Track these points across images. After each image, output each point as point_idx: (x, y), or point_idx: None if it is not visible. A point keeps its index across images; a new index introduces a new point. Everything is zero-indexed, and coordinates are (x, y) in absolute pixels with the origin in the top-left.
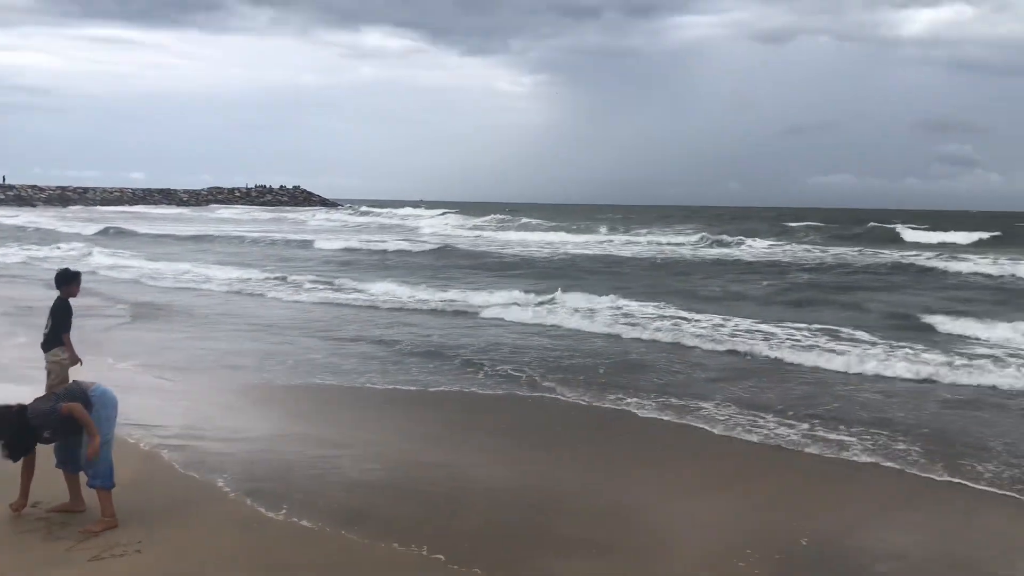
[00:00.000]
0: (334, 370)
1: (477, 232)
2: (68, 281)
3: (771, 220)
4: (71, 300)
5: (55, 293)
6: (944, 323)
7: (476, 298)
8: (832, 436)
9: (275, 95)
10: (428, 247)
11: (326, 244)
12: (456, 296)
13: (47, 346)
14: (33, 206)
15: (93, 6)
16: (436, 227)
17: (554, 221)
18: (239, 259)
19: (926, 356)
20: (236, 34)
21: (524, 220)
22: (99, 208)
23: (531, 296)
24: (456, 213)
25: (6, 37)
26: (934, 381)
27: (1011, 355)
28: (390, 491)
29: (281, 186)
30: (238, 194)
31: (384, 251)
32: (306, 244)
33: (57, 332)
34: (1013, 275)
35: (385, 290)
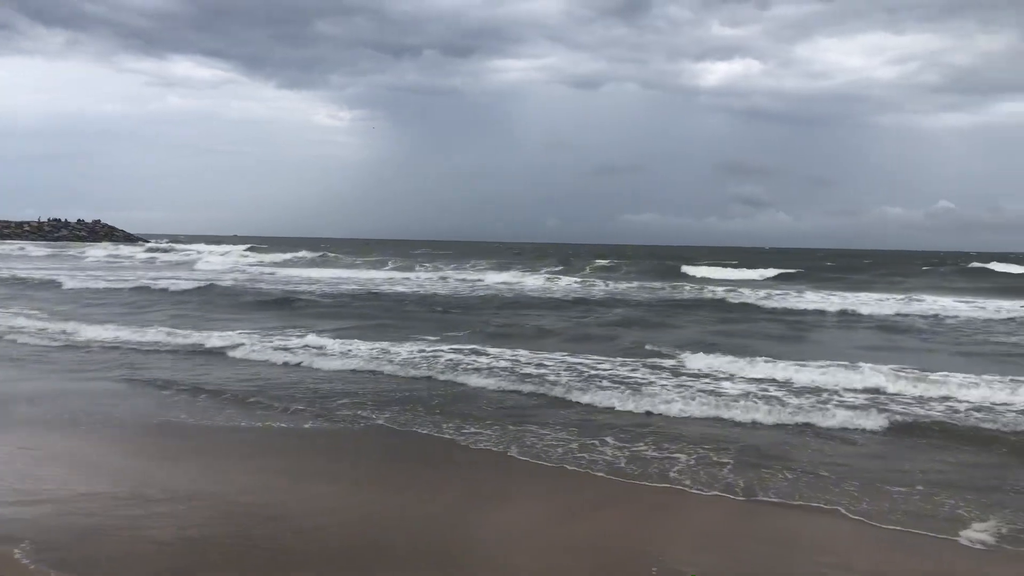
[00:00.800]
0: (107, 414)
1: (262, 269)
2: None
3: (583, 256)
4: None
5: None
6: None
7: (214, 338)
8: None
9: (73, 123)
10: (191, 285)
11: (75, 283)
12: (192, 336)
13: None
14: None
15: None
16: (218, 264)
17: (364, 256)
18: None
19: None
20: (27, 56)
21: (323, 255)
22: None
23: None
24: (253, 249)
25: None
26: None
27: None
28: (215, 550)
29: (79, 220)
30: (27, 228)
31: (145, 287)
32: (51, 283)
33: None
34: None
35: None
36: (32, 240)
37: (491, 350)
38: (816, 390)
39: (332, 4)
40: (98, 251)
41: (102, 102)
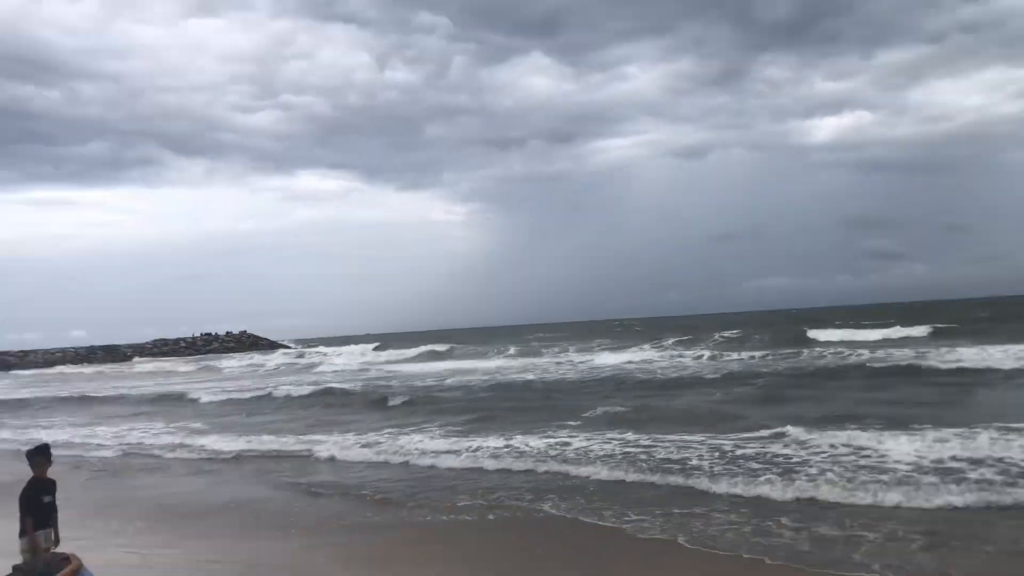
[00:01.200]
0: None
1: (389, 366)
2: (30, 461)
3: (708, 327)
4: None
5: None
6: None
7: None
8: None
9: (216, 243)
10: (309, 390)
11: (209, 396)
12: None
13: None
14: None
15: (29, 171)
16: (342, 364)
17: (486, 345)
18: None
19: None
20: (174, 186)
21: (449, 348)
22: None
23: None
24: (380, 348)
25: None
26: None
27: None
28: None
29: (227, 332)
30: (183, 344)
31: (267, 396)
32: (186, 398)
33: (23, 519)
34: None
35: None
36: (187, 355)
37: (628, 435)
38: (998, 461)
39: (439, 109)
40: (234, 361)
41: (240, 220)
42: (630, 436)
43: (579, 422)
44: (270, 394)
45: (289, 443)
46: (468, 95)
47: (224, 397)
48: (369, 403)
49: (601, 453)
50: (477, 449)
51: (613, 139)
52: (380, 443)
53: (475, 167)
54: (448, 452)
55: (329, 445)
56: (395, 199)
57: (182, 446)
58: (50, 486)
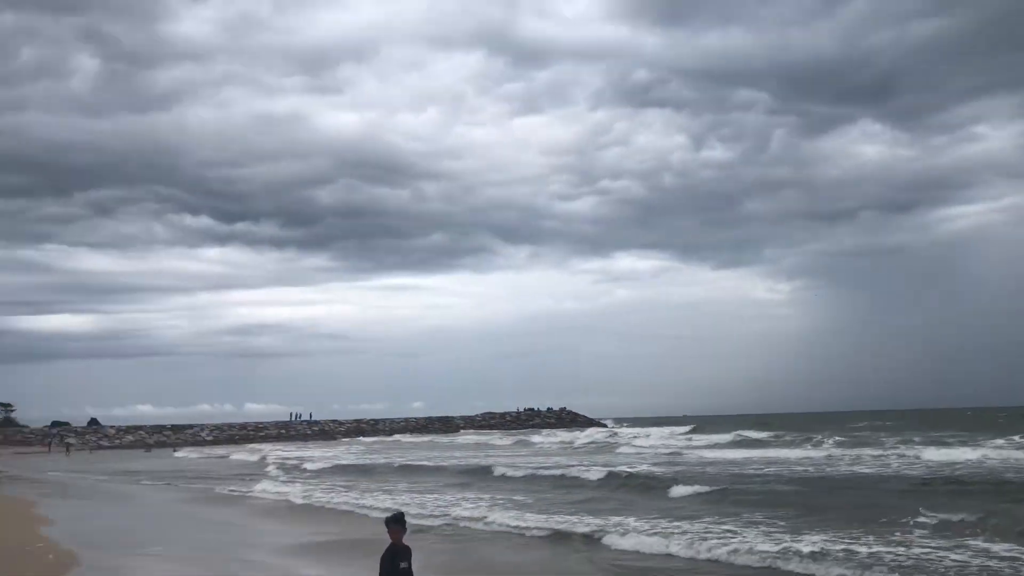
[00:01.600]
0: None
1: (696, 452)
2: (389, 525)
3: None
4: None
5: None
6: None
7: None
8: None
9: (538, 323)
10: (594, 476)
11: (511, 472)
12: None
13: None
14: (334, 439)
15: (381, 262)
16: (645, 445)
17: (804, 432)
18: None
19: None
20: (502, 271)
21: (752, 435)
22: (362, 439)
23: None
24: (696, 430)
25: (313, 294)
26: None
27: None
28: None
29: (548, 408)
30: (508, 418)
31: (557, 475)
32: (486, 471)
33: None
34: None
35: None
36: (511, 428)
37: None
38: None
39: (758, 184)
40: (547, 437)
41: (560, 302)
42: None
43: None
44: (564, 476)
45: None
46: (790, 168)
47: (524, 473)
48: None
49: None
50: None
51: (962, 206)
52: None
53: (799, 242)
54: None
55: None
56: (711, 277)
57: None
58: (406, 553)
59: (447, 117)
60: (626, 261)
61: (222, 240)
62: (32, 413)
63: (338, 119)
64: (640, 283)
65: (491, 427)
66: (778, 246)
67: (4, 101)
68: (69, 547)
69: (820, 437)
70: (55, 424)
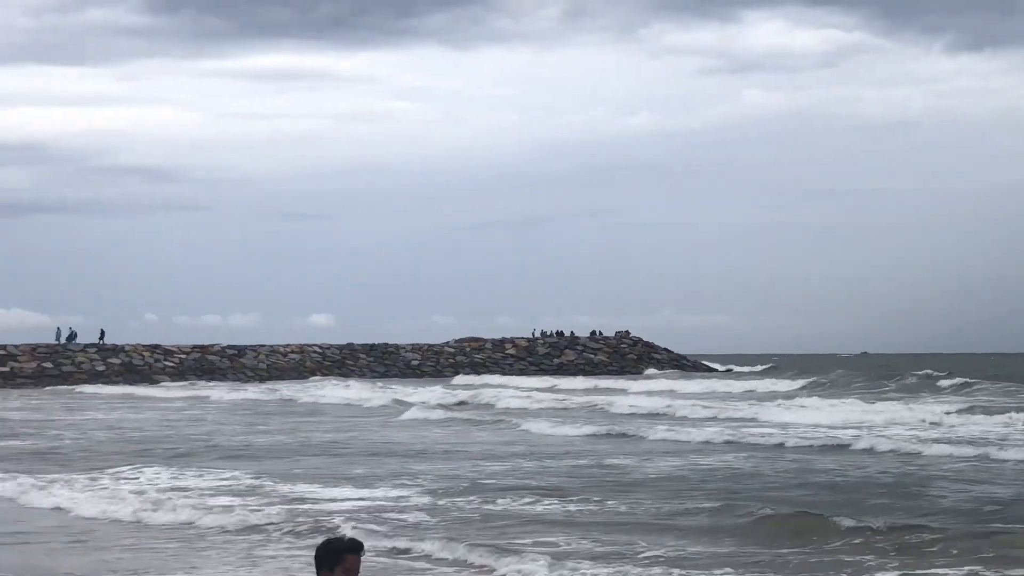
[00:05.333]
0: None
1: None
2: (330, 561)
3: None
4: None
5: None
6: None
7: None
8: None
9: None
10: None
11: None
12: None
13: None
14: (151, 383)
15: (257, 17)
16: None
17: None
18: None
19: None
20: (496, 45)
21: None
22: None
23: None
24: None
25: (108, 83)
26: None
27: None
28: None
29: (594, 332)
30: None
31: None
32: None
33: None
34: None
35: None
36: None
37: None
38: None
39: None
40: None
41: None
42: None
43: None
44: None
45: None
46: None
47: None
48: None
49: None
50: None
51: None
52: None
53: None
54: None
55: None
56: None
57: None
58: None
59: None
60: None
61: None
62: None
63: None
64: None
65: (476, 365)
66: None
67: None
68: None
69: None
70: None
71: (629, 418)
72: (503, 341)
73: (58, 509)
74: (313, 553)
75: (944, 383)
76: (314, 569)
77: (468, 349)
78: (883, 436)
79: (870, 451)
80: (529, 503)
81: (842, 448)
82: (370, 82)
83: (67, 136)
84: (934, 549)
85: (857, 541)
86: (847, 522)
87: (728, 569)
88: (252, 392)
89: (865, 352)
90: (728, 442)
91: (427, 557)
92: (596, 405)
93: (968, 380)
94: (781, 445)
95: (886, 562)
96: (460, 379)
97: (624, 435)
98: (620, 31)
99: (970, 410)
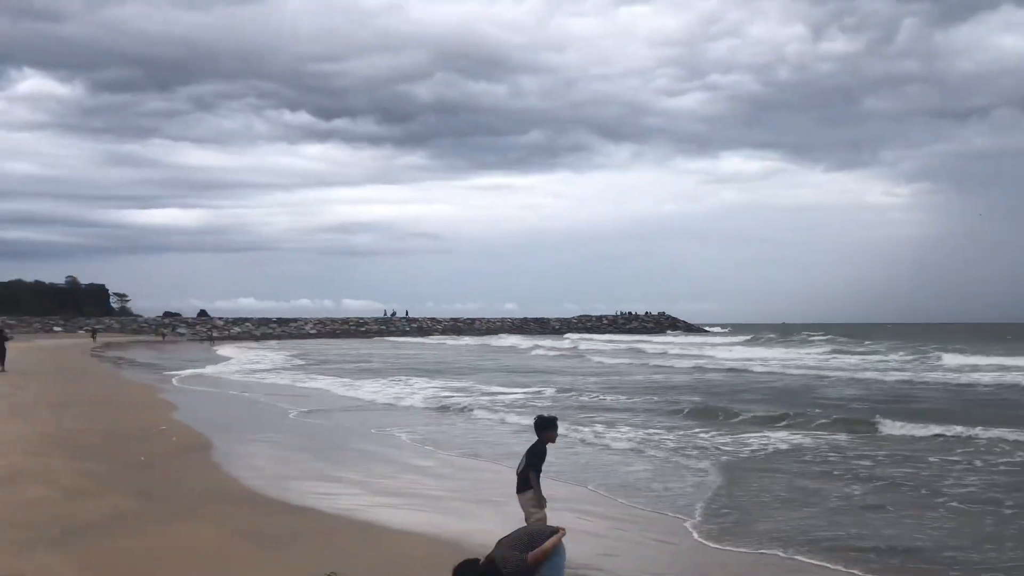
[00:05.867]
0: None
1: (770, 361)
2: (547, 427)
3: None
4: (548, 445)
5: None
6: None
7: None
8: None
9: (637, 225)
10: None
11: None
12: None
13: (519, 487)
14: (429, 336)
15: (477, 159)
16: (730, 356)
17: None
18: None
19: None
20: (600, 171)
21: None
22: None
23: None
24: (779, 341)
25: (410, 192)
26: None
27: None
28: None
29: (646, 312)
30: (605, 321)
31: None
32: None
33: (526, 475)
34: None
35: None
36: (608, 332)
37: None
38: None
39: (882, 79)
40: (673, 340)
41: (662, 203)
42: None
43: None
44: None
45: None
46: (918, 61)
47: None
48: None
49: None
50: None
51: None
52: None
53: (923, 142)
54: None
55: None
56: (823, 179)
57: None
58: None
59: (548, 6)
60: (733, 161)
61: (321, 137)
62: (143, 303)
63: (435, 10)
64: (748, 185)
65: (588, 330)
66: (899, 147)
67: None
68: (201, 431)
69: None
70: (167, 314)
71: (651, 355)
72: (600, 316)
73: (349, 396)
74: (533, 421)
75: (816, 338)
76: (534, 433)
77: (576, 321)
78: (761, 366)
79: (748, 372)
80: (598, 397)
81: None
82: (534, 189)
83: (393, 217)
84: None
85: (734, 421)
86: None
87: (677, 430)
88: (470, 340)
89: (784, 323)
90: (694, 367)
91: None
92: (635, 348)
93: (834, 336)
94: (702, 368)
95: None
96: (571, 335)
97: (646, 364)
98: (658, 161)
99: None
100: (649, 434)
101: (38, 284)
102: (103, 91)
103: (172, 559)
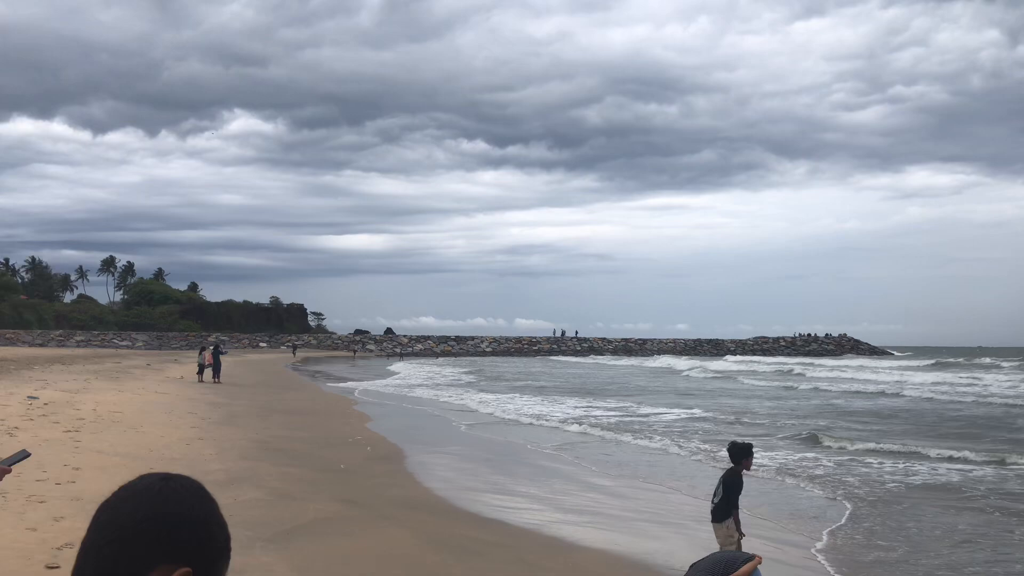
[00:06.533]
0: None
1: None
2: (744, 454)
3: None
4: (744, 474)
5: None
6: None
7: None
8: None
9: (816, 244)
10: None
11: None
12: None
13: (716, 517)
14: (601, 354)
15: (649, 180)
16: (888, 380)
17: None
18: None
19: None
20: (775, 189)
21: None
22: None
23: None
24: (964, 366)
25: (581, 214)
26: None
27: None
28: None
29: (827, 335)
30: (783, 343)
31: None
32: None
33: (728, 504)
34: None
35: None
36: (785, 355)
37: None
38: None
39: None
40: (827, 366)
41: (842, 220)
42: None
43: None
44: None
45: None
46: None
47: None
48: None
49: None
50: None
51: None
52: None
53: None
54: None
55: None
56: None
57: None
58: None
59: (718, 26)
60: (920, 176)
61: (496, 163)
62: (337, 321)
63: (604, 36)
64: (937, 200)
65: (765, 352)
66: None
67: (303, 40)
68: (393, 441)
69: None
70: (358, 332)
71: (807, 378)
72: (777, 339)
73: (518, 412)
74: (728, 448)
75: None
76: (730, 461)
77: (752, 343)
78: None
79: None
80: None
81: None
82: (707, 209)
83: (564, 239)
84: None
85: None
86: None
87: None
88: (629, 361)
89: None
90: (843, 392)
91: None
92: (794, 372)
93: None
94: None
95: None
96: (729, 357)
97: (792, 387)
98: (837, 178)
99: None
100: (791, 459)
101: (247, 304)
102: (302, 127)
103: (373, 563)
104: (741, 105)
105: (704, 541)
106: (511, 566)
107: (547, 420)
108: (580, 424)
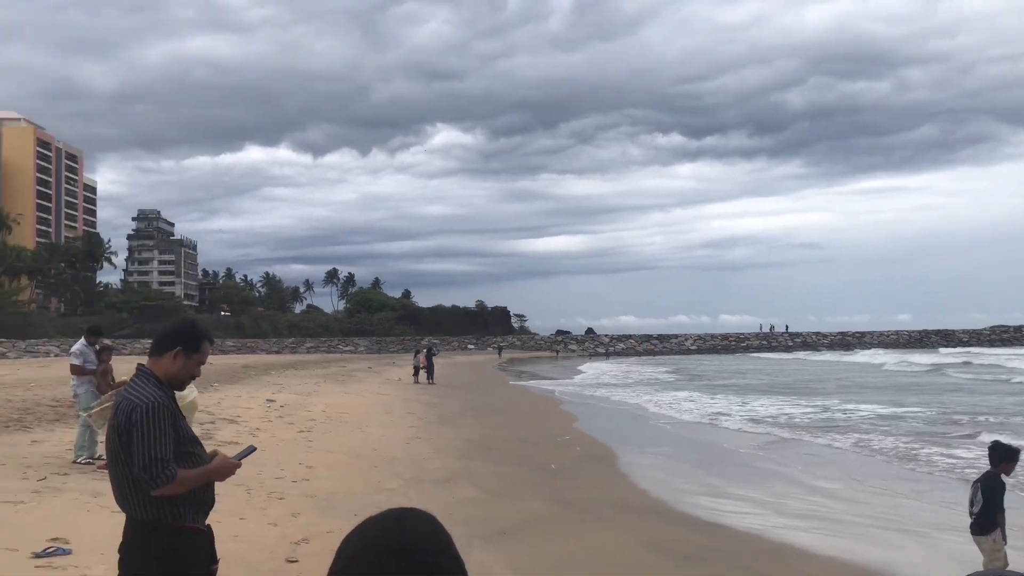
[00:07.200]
0: None
1: None
2: (1008, 459)
3: None
4: (1004, 477)
5: None
6: None
7: None
8: None
9: None
10: None
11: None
12: None
13: (978, 528)
14: (816, 349)
15: (858, 162)
16: None
17: None
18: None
19: None
20: (1010, 162)
21: None
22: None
23: None
24: None
25: (786, 202)
26: None
27: None
28: None
29: None
30: None
31: None
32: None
33: (990, 513)
34: None
35: None
36: None
37: None
38: None
39: None
40: None
41: None
42: None
43: None
44: None
45: None
46: None
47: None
48: None
49: None
50: None
51: None
52: None
53: None
54: None
55: None
56: None
57: None
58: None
59: None
60: None
61: (692, 156)
62: (538, 323)
63: (803, 15)
64: None
65: (1005, 343)
66: None
67: (497, 50)
68: (603, 441)
69: None
70: (559, 332)
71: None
72: (1020, 327)
73: (725, 412)
74: (989, 448)
75: None
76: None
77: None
78: None
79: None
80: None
81: None
82: (927, 189)
83: (769, 229)
84: None
85: None
86: None
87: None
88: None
89: None
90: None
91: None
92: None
93: None
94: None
95: None
96: (946, 349)
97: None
98: None
99: None
100: None
101: (455, 308)
102: (499, 136)
103: (588, 565)
104: (963, 74)
105: (951, 552)
106: (735, 573)
107: (755, 419)
108: (781, 424)
